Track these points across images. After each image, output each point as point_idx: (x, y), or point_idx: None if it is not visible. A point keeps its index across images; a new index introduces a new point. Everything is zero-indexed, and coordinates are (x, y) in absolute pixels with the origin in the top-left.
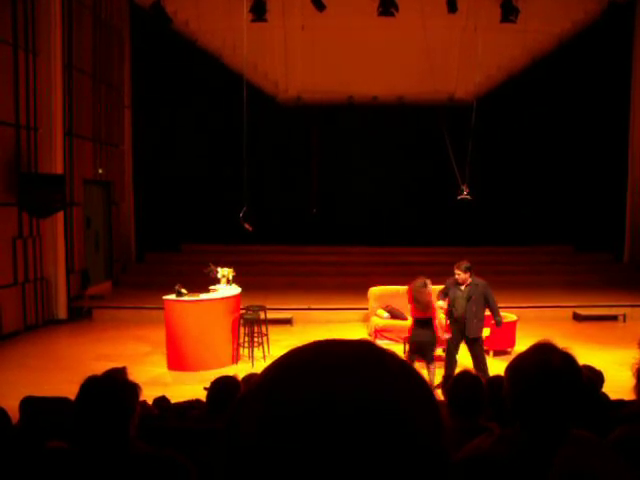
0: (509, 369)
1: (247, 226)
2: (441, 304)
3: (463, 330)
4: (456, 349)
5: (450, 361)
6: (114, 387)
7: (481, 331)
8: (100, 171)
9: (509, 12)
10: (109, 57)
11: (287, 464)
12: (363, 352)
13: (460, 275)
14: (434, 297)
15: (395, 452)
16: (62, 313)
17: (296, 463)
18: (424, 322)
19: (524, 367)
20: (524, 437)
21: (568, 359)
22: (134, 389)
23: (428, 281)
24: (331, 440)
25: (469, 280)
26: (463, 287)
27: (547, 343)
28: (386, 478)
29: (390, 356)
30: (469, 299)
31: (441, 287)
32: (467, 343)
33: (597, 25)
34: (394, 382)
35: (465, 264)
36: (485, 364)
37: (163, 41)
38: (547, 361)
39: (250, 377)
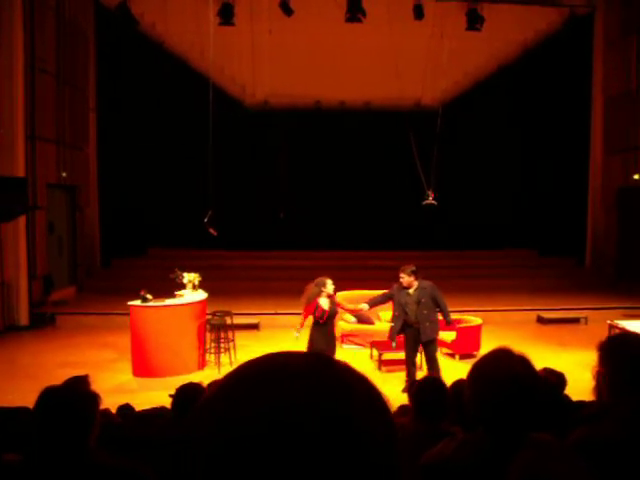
0: (471, 375)
1: (212, 230)
2: (361, 306)
3: (417, 335)
4: (414, 354)
5: (410, 367)
6: (72, 398)
7: (435, 333)
8: (64, 175)
9: (474, 20)
10: (73, 58)
11: (240, 471)
12: (317, 364)
13: (404, 279)
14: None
15: (345, 460)
16: (24, 319)
17: (249, 470)
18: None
19: (485, 373)
20: (487, 442)
21: (526, 364)
22: (94, 399)
23: (326, 282)
24: (283, 447)
25: (415, 284)
26: (411, 291)
27: (505, 348)
28: None
29: (343, 367)
30: (419, 303)
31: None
32: (422, 346)
33: (559, 34)
34: (345, 393)
35: (410, 267)
36: (438, 366)
37: (129, 43)
38: (508, 366)
39: (213, 384)
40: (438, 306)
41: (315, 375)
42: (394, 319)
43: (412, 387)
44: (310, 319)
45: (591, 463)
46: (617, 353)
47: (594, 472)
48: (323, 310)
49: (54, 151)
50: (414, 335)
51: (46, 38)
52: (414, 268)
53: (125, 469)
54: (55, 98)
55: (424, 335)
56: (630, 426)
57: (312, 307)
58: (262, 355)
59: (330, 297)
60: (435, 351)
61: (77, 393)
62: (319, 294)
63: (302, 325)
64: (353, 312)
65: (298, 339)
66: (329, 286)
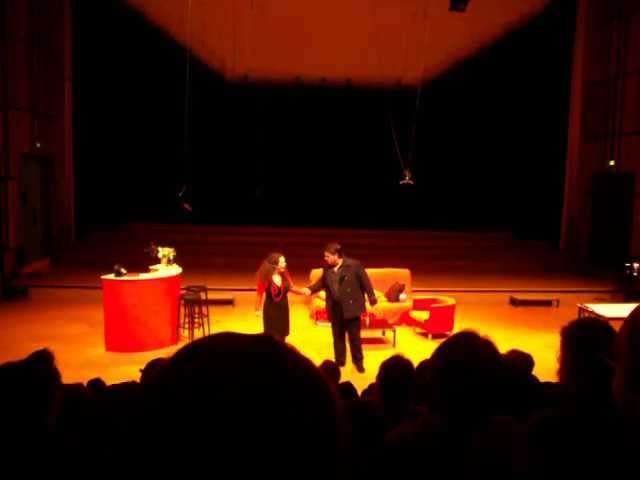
0: (433, 356)
1: (186, 206)
2: (303, 290)
3: (341, 312)
4: (340, 333)
5: (337, 346)
6: (28, 374)
7: (357, 312)
8: (38, 145)
9: (458, 0)
10: (48, 25)
11: (172, 449)
12: (259, 344)
13: (329, 257)
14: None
15: (276, 439)
16: None
17: (181, 448)
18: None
19: (448, 354)
20: (447, 423)
21: (489, 346)
22: (51, 376)
23: (279, 259)
24: (213, 425)
25: (340, 262)
26: (336, 269)
27: (470, 331)
28: (267, 464)
29: (285, 351)
30: (342, 280)
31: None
32: (346, 324)
33: (543, 18)
34: (282, 373)
35: (335, 246)
36: (360, 346)
37: (107, 11)
38: (470, 348)
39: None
40: (362, 284)
41: (253, 354)
42: (326, 298)
43: (380, 367)
44: (264, 295)
45: (548, 444)
46: (576, 338)
47: (548, 453)
48: (278, 287)
49: (28, 121)
50: (339, 313)
51: (18, 4)
52: (338, 246)
53: (84, 448)
54: (29, 66)
55: (346, 313)
56: (584, 409)
57: (267, 284)
58: (210, 334)
59: (281, 273)
60: (358, 330)
61: (33, 369)
62: (273, 271)
63: (260, 302)
64: (295, 294)
65: (260, 317)
66: (281, 263)
